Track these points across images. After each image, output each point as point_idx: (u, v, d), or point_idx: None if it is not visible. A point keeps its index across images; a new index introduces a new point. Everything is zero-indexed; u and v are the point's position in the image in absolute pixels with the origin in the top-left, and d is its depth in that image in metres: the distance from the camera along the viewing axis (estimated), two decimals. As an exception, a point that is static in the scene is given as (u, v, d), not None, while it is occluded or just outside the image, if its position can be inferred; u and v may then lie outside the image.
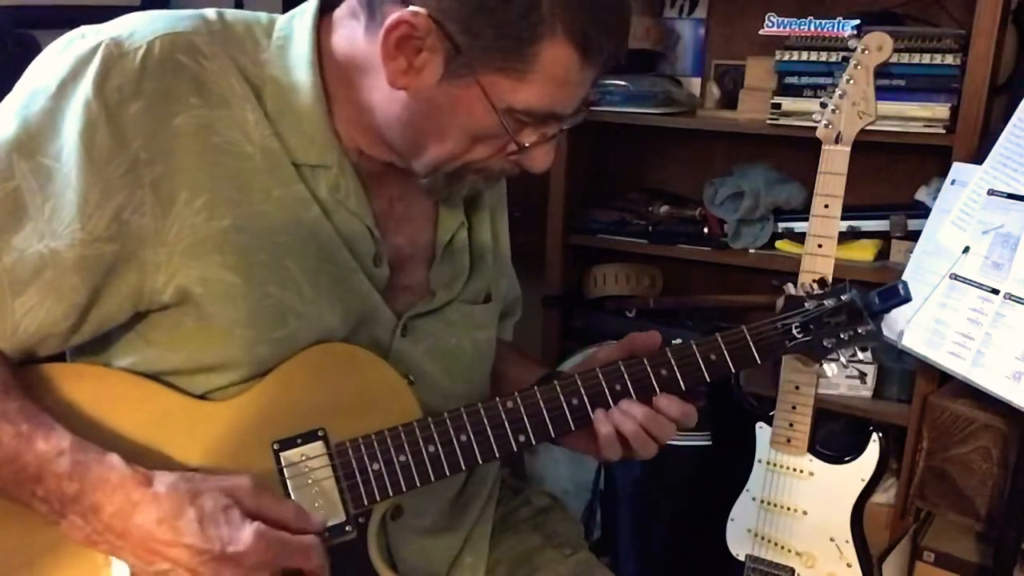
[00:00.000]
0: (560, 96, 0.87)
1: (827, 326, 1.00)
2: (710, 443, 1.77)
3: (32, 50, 1.61)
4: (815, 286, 1.04)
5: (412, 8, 0.81)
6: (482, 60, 0.83)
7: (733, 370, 0.98)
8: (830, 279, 1.49)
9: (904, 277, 1.64)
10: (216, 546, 0.77)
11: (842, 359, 1.02)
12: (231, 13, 0.93)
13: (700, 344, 0.98)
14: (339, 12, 0.92)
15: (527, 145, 0.90)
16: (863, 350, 1.02)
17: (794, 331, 0.99)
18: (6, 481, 0.80)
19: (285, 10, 0.94)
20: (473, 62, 0.83)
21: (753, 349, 0.98)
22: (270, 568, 0.79)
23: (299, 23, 0.92)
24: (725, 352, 0.97)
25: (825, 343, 1.00)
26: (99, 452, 0.80)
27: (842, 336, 1.00)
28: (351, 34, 0.90)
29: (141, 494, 0.78)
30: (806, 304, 1.01)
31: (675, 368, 0.97)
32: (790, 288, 1.04)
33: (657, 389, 0.96)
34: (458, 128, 0.88)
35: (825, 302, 1.00)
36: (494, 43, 0.82)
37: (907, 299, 1.00)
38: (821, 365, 1.03)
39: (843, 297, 1.01)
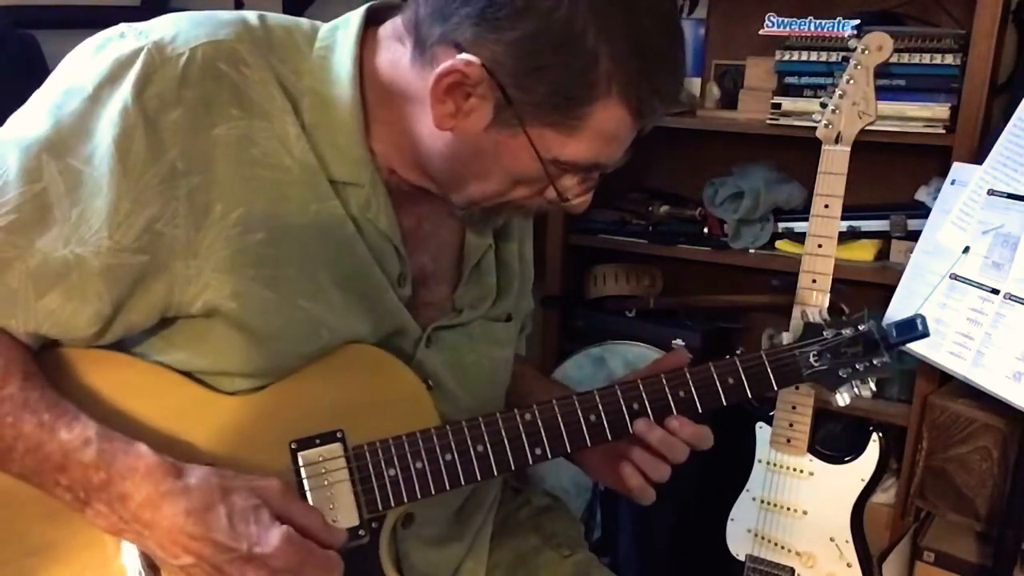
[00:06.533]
0: (606, 150, 0.87)
1: (844, 356, 1.00)
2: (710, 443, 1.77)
3: (32, 50, 1.61)
4: (825, 313, 1.04)
5: (466, 57, 0.80)
6: (532, 113, 0.82)
7: (750, 395, 0.98)
8: (830, 278, 1.50)
9: (904, 277, 1.64)
10: (244, 545, 0.76)
11: (855, 389, 1.02)
12: (272, 17, 0.92)
13: (718, 366, 0.98)
14: (384, 31, 0.91)
15: (568, 192, 0.90)
16: (876, 382, 1.02)
17: (812, 359, 1.00)
18: (29, 470, 0.80)
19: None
20: (523, 114, 0.82)
21: (771, 375, 0.99)
22: (293, 574, 0.78)
23: (343, 36, 0.90)
24: (743, 376, 0.97)
25: (841, 373, 1.00)
26: (126, 441, 0.80)
27: (858, 367, 1.00)
28: (395, 58, 0.88)
29: (170, 485, 0.78)
30: (824, 332, 1.01)
31: (693, 390, 0.97)
32: (809, 315, 1.04)
33: (674, 410, 0.96)
34: (501, 171, 0.88)
35: (843, 331, 1.00)
36: (546, 99, 0.81)
37: (925, 334, 1.00)
38: (835, 394, 1.03)
39: (861, 327, 1.01)
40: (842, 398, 1.03)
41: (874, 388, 1.03)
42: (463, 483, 0.91)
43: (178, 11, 0.90)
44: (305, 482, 0.87)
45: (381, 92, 0.89)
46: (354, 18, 0.92)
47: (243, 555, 0.76)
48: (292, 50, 0.89)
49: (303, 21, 0.94)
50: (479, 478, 0.92)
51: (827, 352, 1.00)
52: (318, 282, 0.88)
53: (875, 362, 1.00)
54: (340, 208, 0.89)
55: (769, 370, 0.98)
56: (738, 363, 0.98)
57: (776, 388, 0.99)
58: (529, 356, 1.29)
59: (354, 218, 0.90)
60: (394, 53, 0.89)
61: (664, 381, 0.96)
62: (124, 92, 0.80)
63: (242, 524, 0.77)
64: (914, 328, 1.00)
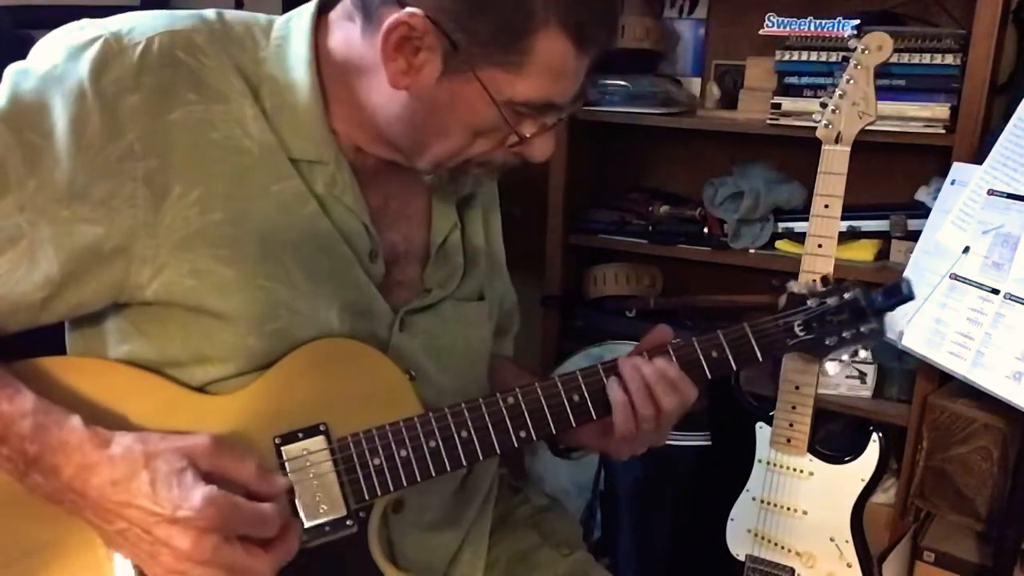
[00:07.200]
0: (557, 87, 0.88)
1: (829, 324, 1.00)
2: (710, 443, 1.77)
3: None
4: (818, 283, 1.04)
5: (408, 9, 0.82)
6: (479, 55, 0.84)
7: (735, 367, 0.98)
8: (831, 279, 1.50)
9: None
10: (167, 509, 0.77)
11: (844, 357, 1.03)
12: (230, 14, 0.94)
13: (701, 340, 0.98)
14: (334, 14, 0.93)
15: (528, 136, 0.91)
16: (866, 348, 1.03)
17: (796, 329, 0.99)
18: None
19: (285, 11, 0.95)
20: (471, 58, 0.84)
21: (755, 346, 0.98)
22: (222, 532, 0.78)
23: (297, 24, 0.93)
24: (727, 349, 0.98)
25: (827, 341, 1.00)
26: (62, 414, 0.81)
27: (844, 335, 1.00)
28: (347, 36, 0.91)
29: (97, 456, 0.79)
30: (808, 302, 1.01)
31: (676, 365, 0.97)
32: (792, 286, 1.04)
33: None
34: (459, 123, 0.89)
35: (827, 300, 1.00)
36: (490, 38, 0.83)
37: (910, 297, 0.99)
38: (823, 363, 1.03)
39: (846, 295, 1.00)
40: (831, 367, 1.03)
41: (863, 355, 1.02)
42: (449, 469, 0.92)
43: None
44: (290, 476, 0.88)
45: (336, 72, 0.92)
46: (306, 8, 0.95)
47: (167, 518, 0.77)
48: (250, 42, 0.92)
49: (260, 16, 0.96)
50: (464, 463, 0.92)
51: (812, 321, 1.00)
52: (281, 263, 0.89)
53: (862, 329, 1.00)
54: (302, 186, 0.91)
55: (753, 341, 0.98)
56: (721, 336, 0.98)
57: (761, 359, 0.99)
58: (529, 356, 1.29)
59: (319, 196, 0.92)
60: (346, 32, 0.91)
61: (647, 358, 0.97)
62: (80, 71, 0.82)
63: (164, 489, 0.78)
64: (899, 292, 1.00)
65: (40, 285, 0.83)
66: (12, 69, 0.85)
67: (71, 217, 0.82)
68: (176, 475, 0.79)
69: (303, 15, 0.94)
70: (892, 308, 1.01)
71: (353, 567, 0.90)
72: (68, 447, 0.79)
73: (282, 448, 0.88)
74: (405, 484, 0.90)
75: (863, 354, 1.04)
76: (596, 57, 0.89)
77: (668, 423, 0.99)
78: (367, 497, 0.90)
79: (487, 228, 1.12)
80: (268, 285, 0.88)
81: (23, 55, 0.87)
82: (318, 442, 0.89)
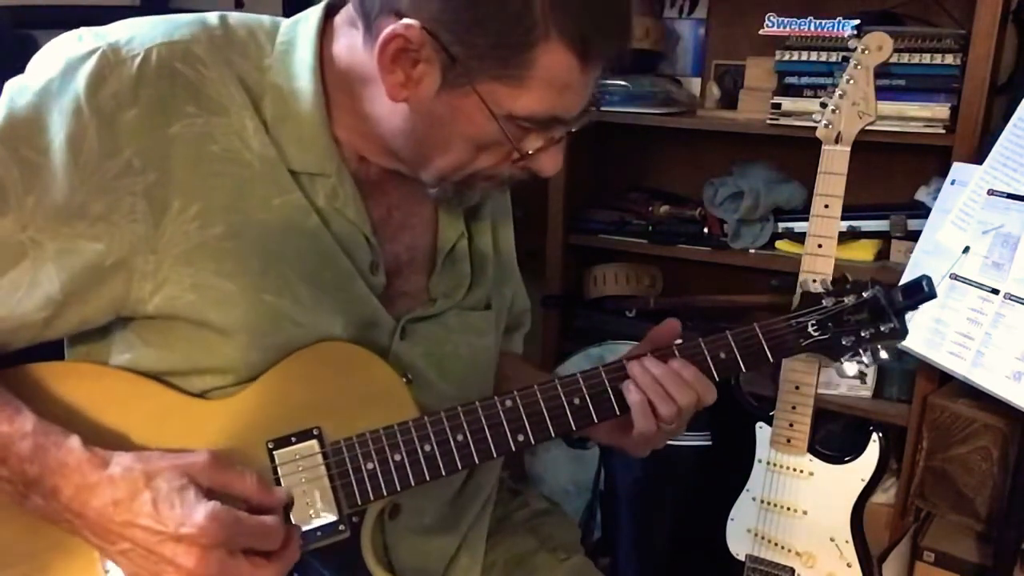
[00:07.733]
0: (561, 101, 0.85)
1: (846, 324, 0.97)
2: (710, 443, 1.77)
3: (32, 50, 1.61)
4: (832, 284, 1.00)
5: (406, 21, 0.80)
6: (478, 69, 0.82)
7: (744, 369, 0.96)
8: (830, 279, 1.50)
9: (904, 277, 1.64)
10: (170, 527, 0.77)
11: (865, 358, 0.99)
12: (234, 17, 0.92)
13: (708, 342, 0.96)
14: (339, 19, 0.92)
15: (531, 152, 0.89)
16: (886, 350, 0.99)
17: (810, 329, 0.96)
18: None
19: (285, 13, 0.94)
20: (469, 71, 0.82)
21: (765, 347, 0.96)
22: (227, 547, 0.78)
23: (303, 29, 0.91)
24: (736, 350, 0.95)
25: (844, 342, 0.97)
26: (61, 435, 0.80)
27: (863, 334, 0.97)
28: (351, 43, 0.89)
29: (97, 477, 0.79)
30: (824, 301, 0.98)
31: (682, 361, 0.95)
32: (808, 285, 1.00)
33: None
34: (460, 138, 0.87)
35: (845, 299, 0.97)
36: (489, 51, 0.81)
37: (931, 295, 0.96)
38: (841, 364, 1.00)
39: (865, 294, 0.97)
40: (850, 367, 1.00)
41: (885, 356, 0.99)
42: (444, 473, 0.90)
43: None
44: (282, 480, 0.87)
45: (340, 79, 0.90)
46: (314, 11, 0.93)
47: (171, 536, 0.77)
48: (254, 47, 0.90)
49: (265, 18, 0.94)
50: (460, 467, 0.91)
51: (828, 321, 0.96)
52: (283, 276, 0.88)
53: (883, 328, 0.97)
54: (303, 199, 0.89)
55: (764, 343, 0.96)
56: (730, 337, 0.95)
57: (772, 360, 0.96)
58: (529, 356, 1.28)
59: (320, 209, 0.90)
60: (350, 39, 0.89)
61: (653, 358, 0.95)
62: (77, 86, 0.81)
63: (166, 507, 0.77)
64: (920, 290, 0.96)
65: (41, 305, 0.83)
66: (10, 84, 0.84)
67: (72, 233, 0.81)
68: (177, 493, 0.78)
69: (310, 19, 0.92)
70: (915, 307, 0.98)
71: (346, 572, 0.89)
72: (67, 468, 0.79)
73: (275, 452, 0.88)
74: (399, 489, 0.89)
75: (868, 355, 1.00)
76: (604, 68, 0.86)
77: (686, 419, 0.97)
78: (360, 502, 0.89)
79: (496, 236, 1.10)
80: (271, 299, 0.87)
81: (23, 55, 0.86)
82: (311, 446, 0.88)
